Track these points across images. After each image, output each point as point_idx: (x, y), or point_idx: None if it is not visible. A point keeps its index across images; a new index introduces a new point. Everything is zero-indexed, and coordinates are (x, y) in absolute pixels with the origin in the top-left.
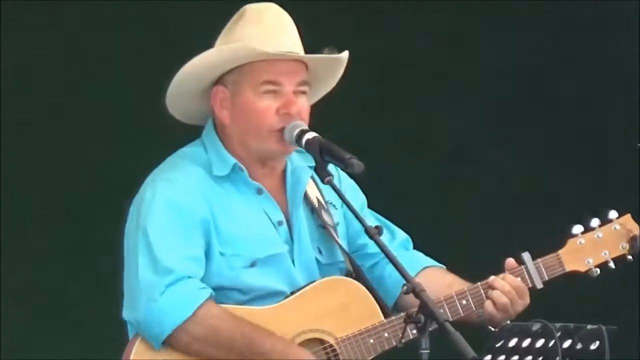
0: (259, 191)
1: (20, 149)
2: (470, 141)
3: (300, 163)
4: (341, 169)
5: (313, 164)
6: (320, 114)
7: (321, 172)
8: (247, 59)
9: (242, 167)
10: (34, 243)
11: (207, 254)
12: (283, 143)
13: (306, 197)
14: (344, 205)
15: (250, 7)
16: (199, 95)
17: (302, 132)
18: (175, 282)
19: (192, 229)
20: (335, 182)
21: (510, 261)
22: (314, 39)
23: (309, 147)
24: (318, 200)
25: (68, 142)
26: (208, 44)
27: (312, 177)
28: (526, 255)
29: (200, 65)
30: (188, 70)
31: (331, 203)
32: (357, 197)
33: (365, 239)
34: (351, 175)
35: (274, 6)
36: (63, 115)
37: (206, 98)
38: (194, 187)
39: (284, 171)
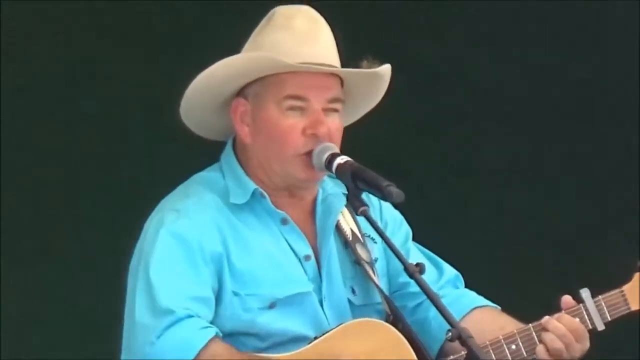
0: (284, 221)
1: (21, 151)
2: (524, 164)
3: (334, 190)
4: (379, 198)
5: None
6: (352, 133)
7: (354, 202)
8: (269, 70)
9: (264, 193)
10: (35, 246)
11: (219, 294)
12: (311, 169)
13: (339, 229)
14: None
15: (279, 10)
16: (218, 107)
17: (333, 156)
18: (175, 323)
19: (201, 267)
20: (375, 212)
21: (567, 299)
22: (355, 48)
23: (341, 173)
24: (353, 232)
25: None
26: (229, 46)
27: (347, 206)
28: (585, 292)
29: (218, 75)
30: (205, 80)
31: (369, 236)
32: (399, 230)
33: (407, 277)
34: (395, 204)
35: (306, 9)
36: (68, 116)
37: (227, 111)
38: (206, 218)
39: (315, 200)
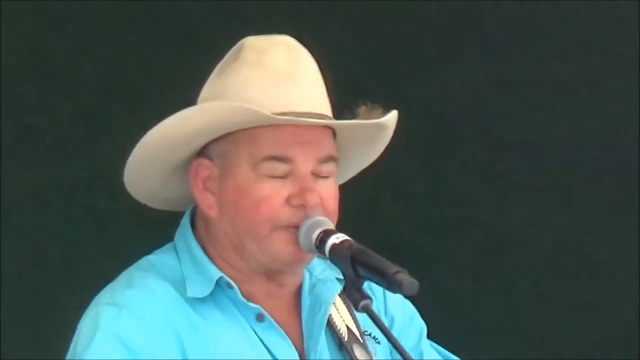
0: (259, 317)
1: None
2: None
3: (325, 274)
4: (385, 289)
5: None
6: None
7: (353, 294)
8: (239, 124)
9: (231, 282)
10: (35, 242)
11: None
12: (296, 248)
13: (331, 326)
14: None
15: (249, 42)
16: (171, 170)
17: (326, 234)
18: None
19: None
20: (379, 304)
21: None
22: (349, 89)
23: (336, 256)
24: (349, 330)
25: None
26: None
27: (340, 295)
28: None
29: (173, 135)
30: (154, 142)
31: (370, 334)
32: (411, 327)
33: None
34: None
35: (283, 40)
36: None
37: (183, 174)
38: (156, 315)
39: (299, 288)
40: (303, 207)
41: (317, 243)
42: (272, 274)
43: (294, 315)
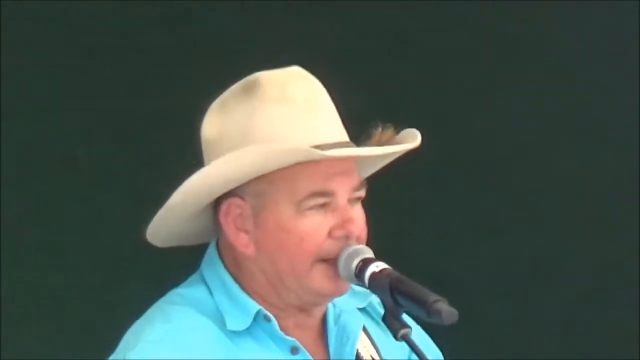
0: (294, 350)
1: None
2: None
3: (347, 304)
4: (422, 318)
5: (363, 304)
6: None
7: (393, 323)
8: (285, 163)
9: (270, 315)
10: (36, 243)
11: None
12: (336, 280)
13: (357, 355)
14: None
15: (264, 78)
16: (198, 212)
17: (365, 263)
18: None
19: None
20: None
21: None
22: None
23: (375, 285)
24: (373, 359)
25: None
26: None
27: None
28: None
29: (216, 179)
30: (196, 187)
31: None
32: (430, 354)
33: None
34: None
35: (297, 71)
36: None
37: (205, 214)
38: (198, 350)
39: (324, 317)
40: (345, 237)
41: (357, 272)
42: (306, 307)
43: (320, 344)
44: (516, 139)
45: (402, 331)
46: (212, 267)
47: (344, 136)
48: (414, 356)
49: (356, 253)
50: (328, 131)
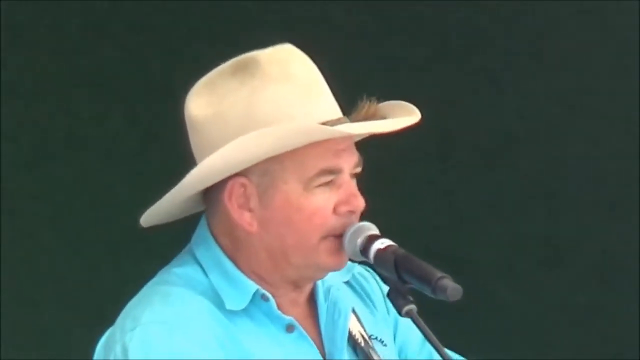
0: (289, 328)
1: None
2: None
3: (333, 278)
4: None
5: (347, 277)
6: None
7: (397, 299)
8: (297, 143)
9: (268, 295)
10: (36, 242)
11: None
12: (341, 255)
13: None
14: (397, 339)
15: (264, 56)
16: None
17: (370, 240)
18: None
19: None
20: (381, 306)
21: None
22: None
23: (380, 261)
24: (362, 336)
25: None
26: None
27: None
28: None
29: (232, 161)
30: (211, 168)
31: (376, 338)
32: (411, 331)
33: None
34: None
35: (292, 48)
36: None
37: (200, 194)
38: (202, 329)
39: (312, 292)
40: (350, 213)
41: (362, 248)
42: (302, 283)
43: (310, 320)
44: (528, 116)
45: (407, 308)
46: (205, 246)
47: (339, 112)
48: (399, 331)
49: (362, 230)
50: (330, 108)
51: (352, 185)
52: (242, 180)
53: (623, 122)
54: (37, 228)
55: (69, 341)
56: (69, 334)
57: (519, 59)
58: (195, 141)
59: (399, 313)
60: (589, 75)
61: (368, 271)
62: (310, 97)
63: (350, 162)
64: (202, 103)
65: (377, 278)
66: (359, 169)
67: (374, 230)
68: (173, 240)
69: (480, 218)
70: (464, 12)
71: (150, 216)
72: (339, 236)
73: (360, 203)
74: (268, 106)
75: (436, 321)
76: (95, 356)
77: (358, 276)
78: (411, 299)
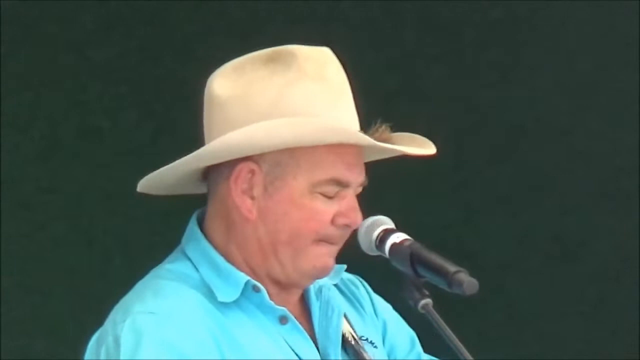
0: (283, 319)
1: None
2: None
3: (322, 280)
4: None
5: (336, 280)
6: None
7: (413, 294)
8: (323, 142)
9: (259, 285)
10: (48, 234)
11: None
12: (327, 261)
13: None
14: (386, 342)
15: (302, 52)
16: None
17: (386, 234)
18: None
19: None
20: (367, 306)
21: None
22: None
23: (396, 255)
24: (352, 335)
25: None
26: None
27: None
28: None
29: (257, 144)
30: (233, 147)
31: (367, 339)
32: (400, 331)
33: None
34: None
35: (328, 53)
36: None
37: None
38: (194, 321)
39: (303, 295)
40: (347, 226)
41: (378, 242)
42: (287, 286)
43: (303, 318)
44: (539, 112)
45: (423, 302)
46: (194, 242)
47: (359, 126)
48: (389, 334)
49: (377, 223)
50: (352, 119)
51: (354, 200)
52: (253, 166)
53: (634, 117)
54: (49, 220)
55: (81, 333)
56: (81, 325)
57: (531, 54)
58: (214, 118)
59: (415, 307)
60: (600, 70)
61: (357, 278)
62: (339, 103)
63: (358, 179)
64: (227, 84)
65: (366, 285)
66: (360, 189)
67: (389, 224)
68: (184, 232)
69: (490, 213)
70: (475, 8)
71: (148, 183)
72: (330, 244)
73: (358, 219)
74: (298, 99)
75: (446, 315)
76: (87, 353)
77: (347, 282)
78: (427, 292)
